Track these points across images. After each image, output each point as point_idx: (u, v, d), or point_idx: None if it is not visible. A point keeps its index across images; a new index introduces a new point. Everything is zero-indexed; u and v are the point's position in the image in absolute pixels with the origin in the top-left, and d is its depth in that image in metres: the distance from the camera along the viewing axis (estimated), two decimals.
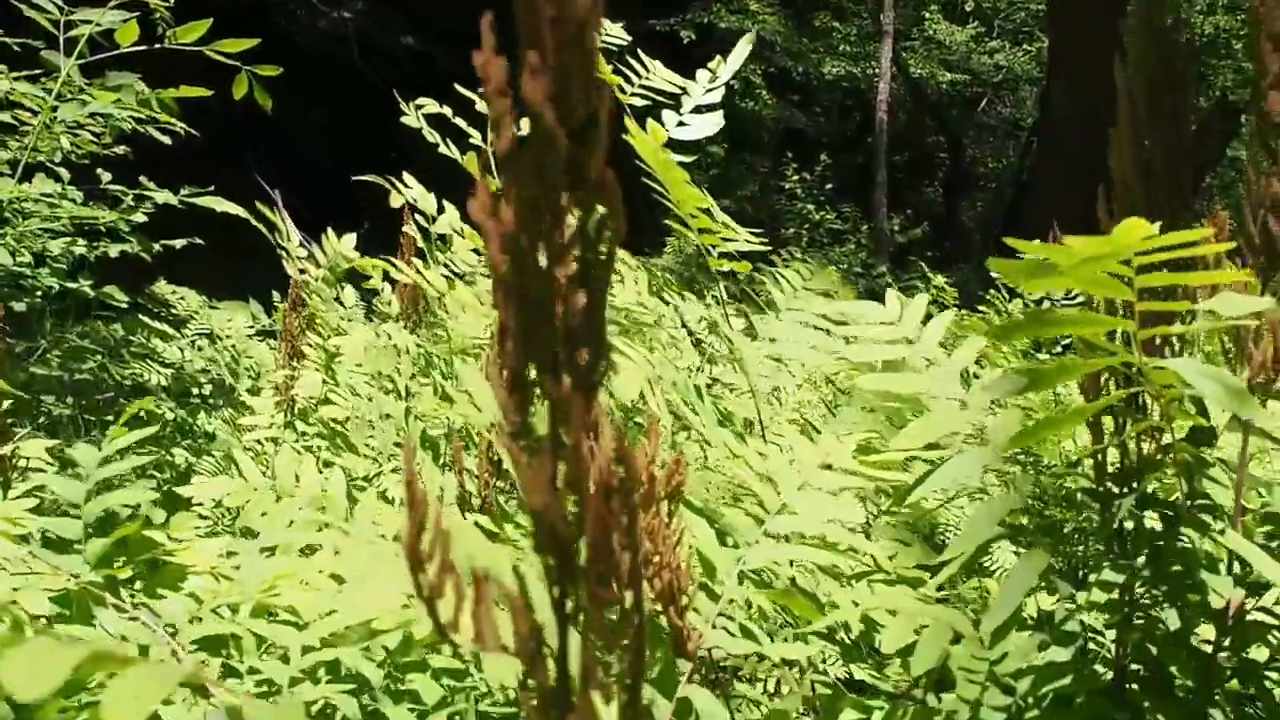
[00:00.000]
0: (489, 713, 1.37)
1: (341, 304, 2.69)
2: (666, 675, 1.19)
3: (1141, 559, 1.22)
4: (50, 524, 1.38)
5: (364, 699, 1.37)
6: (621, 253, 1.94)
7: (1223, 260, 1.14)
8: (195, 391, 3.86)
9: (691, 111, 1.80)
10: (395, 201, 1.86)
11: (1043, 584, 1.37)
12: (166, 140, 3.39)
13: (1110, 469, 1.28)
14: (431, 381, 2.08)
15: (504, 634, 0.55)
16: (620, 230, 0.48)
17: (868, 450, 1.43)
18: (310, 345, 2.56)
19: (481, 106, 2.08)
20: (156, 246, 3.90)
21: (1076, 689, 1.19)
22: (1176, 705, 1.20)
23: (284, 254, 2.46)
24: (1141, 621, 1.25)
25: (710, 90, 1.80)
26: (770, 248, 1.84)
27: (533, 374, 0.52)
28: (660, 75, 1.90)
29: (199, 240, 4.08)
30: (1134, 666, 1.26)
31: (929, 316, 1.47)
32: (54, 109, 3.19)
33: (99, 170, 3.68)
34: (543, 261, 0.49)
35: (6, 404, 1.91)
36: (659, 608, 1.17)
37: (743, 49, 1.81)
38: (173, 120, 3.25)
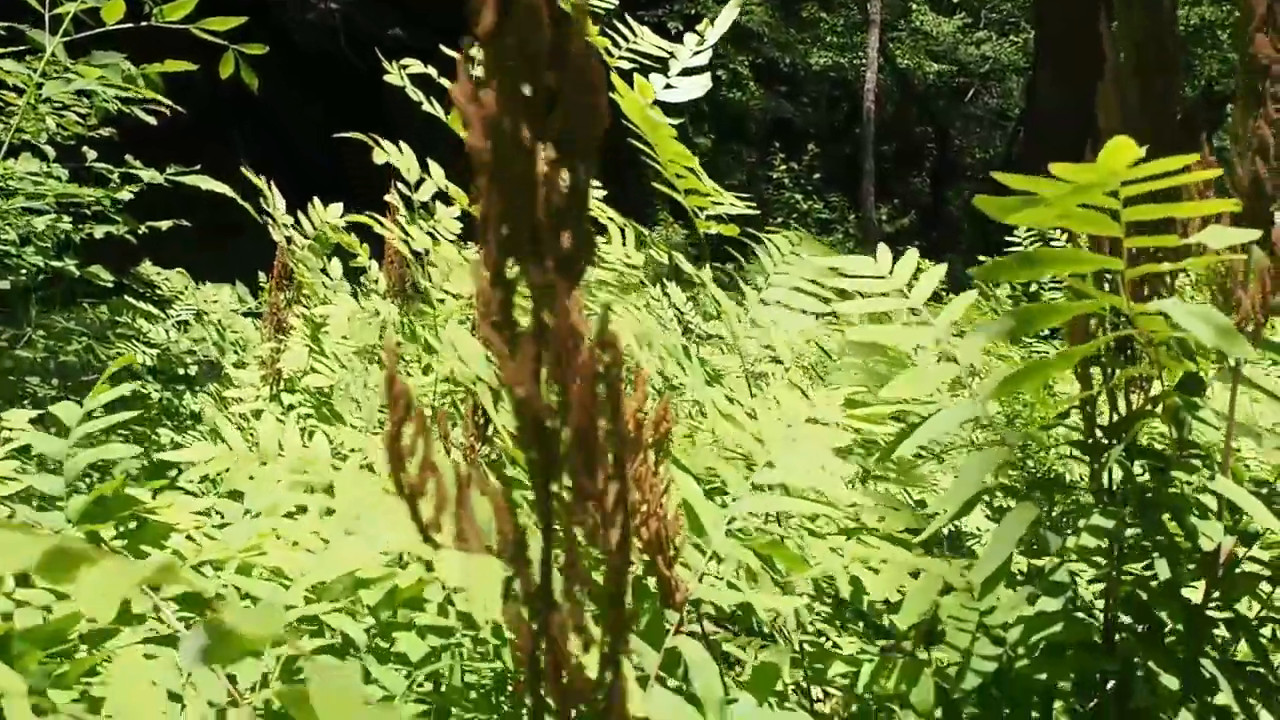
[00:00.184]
0: (475, 668, 1.36)
1: (328, 275, 2.68)
2: (654, 626, 1.18)
3: (1131, 511, 1.22)
4: (32, 480, 1.36)
5: (348, 659, 1.36)
6: (610, 211, 1.93)
7: (1210, 190, 1.13)
8: (181, 372, 3.84)
9: (679, 74, 1.79)
10: (379, 158, 1.85)
11: (1033, 543, 1.37)
12: (152, 121, 3.36)
13: (1100, 423, 1.28)
14: (417, 351, 2.06)
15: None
16: (602, 110, 0.48)
17: (855, 405, 1.43)
18: (297, 317, 2.55)
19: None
20: (142, 229, 3.88)
21: (1066, 637, 1.18)
22: (1166, 655, 1.20)
23: (270, 220, 2.44)
24: (1131, 577, 1.25)
25: (698, 53, 1.79)
26: (757, 212, 1.83)
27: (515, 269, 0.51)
28: (648, 40, 1.89)
29: (185, 222, 4.06)
30: (1124, 619, 1.25)
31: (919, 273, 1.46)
32: (39, 86, 3.17)
33: (84, 149, 3.66)
34: (526, 142, 0.48)
35: None
36: (646, 558, 1.16)
37: (730, 12, 1.80)
38: (159, 97, 3.22)
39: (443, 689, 1.40)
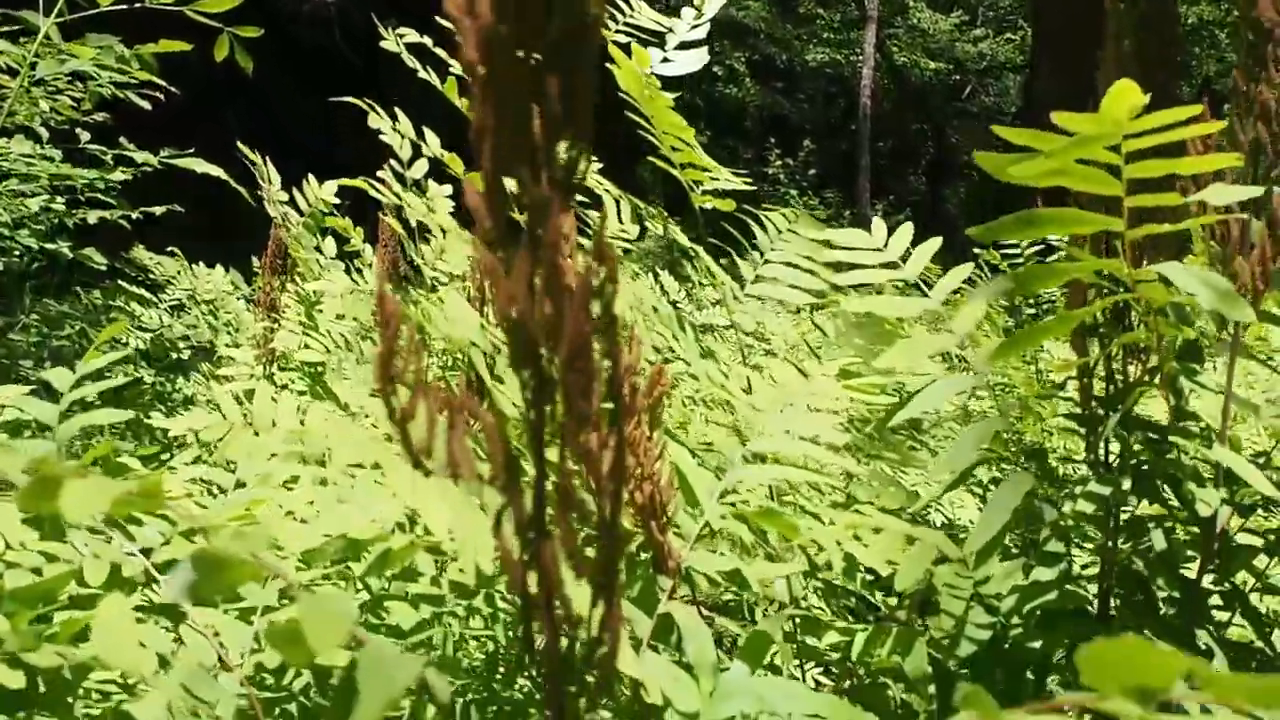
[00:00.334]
0: (467, 635, 1.35)
1: (321, 253, 2.67)
2: (647, 592, 1.18)
3: (1128, 482, 1.21)
4: (23, 445, 1.36)
5: None
6: (606, 183, 1.92)
7: (1213, 145, 1.13)
8: (174, 357, 3.83)
9: (676, 48, 1.78)
10: (374, 123, 1.84)
11: (1028, 518, 1.36)
12: (146, 106, 3.35)
13: (1096, 394, 1.27)
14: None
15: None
16: (597, 15, 0.47)
17: (850, 376, 1.42)
18: (291, 296, 2.54)
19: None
20: (136, 213, 3.87)
21: (1061, 605, 1.18)
22: (1161, 624, 1.19)
23: (264, 196, 2.43)
24: (1127, 545, 1.24)
25: (695, 26, 1.78)
26: (754, 188, 1.83)
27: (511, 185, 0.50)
28: (645, 14, 1.88)
29: (178, 207, 4.05)
30: (1119, 590, 1.25)
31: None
32: (33, 66, 3.15)
33: (78, 131, 3.65)
34: (520, 52, 0.47)
35: None
36: (640, 522, 1.16)
37: None
38: (154, 79, 3.21)
39: (435, 658, 1.39)
